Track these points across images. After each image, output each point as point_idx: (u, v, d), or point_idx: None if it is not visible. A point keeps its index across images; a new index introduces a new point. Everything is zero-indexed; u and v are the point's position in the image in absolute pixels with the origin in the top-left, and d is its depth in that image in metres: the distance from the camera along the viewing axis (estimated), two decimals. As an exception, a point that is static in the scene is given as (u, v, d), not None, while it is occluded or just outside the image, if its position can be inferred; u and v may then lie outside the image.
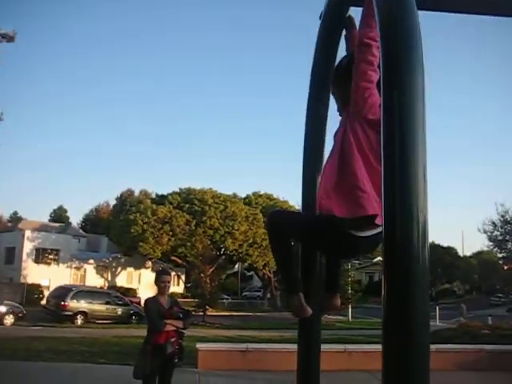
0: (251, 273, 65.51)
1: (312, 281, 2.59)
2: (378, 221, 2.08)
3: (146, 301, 6.09)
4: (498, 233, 28.16)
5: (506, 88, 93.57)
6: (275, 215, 2.63)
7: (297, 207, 51.84)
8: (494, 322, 21.01)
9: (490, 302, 60.02)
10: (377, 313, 41.89)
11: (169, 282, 6.01)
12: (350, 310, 35.93)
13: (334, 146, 2.38)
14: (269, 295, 53.46)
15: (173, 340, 5.72)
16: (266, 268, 49.59)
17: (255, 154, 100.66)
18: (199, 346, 10.05)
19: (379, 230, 2.06)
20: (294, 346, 9.19)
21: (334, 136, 2.43)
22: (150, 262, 48.11)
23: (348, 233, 2.20)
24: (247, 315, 38.34)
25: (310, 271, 2.61)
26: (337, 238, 2.26)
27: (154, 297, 6.11)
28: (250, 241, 45.45)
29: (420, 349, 1.52)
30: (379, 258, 72.87)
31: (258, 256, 46.29)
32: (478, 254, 77.55)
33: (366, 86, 2.20)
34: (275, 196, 54.62)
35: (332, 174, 2.26)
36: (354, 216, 2.15)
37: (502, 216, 27.53)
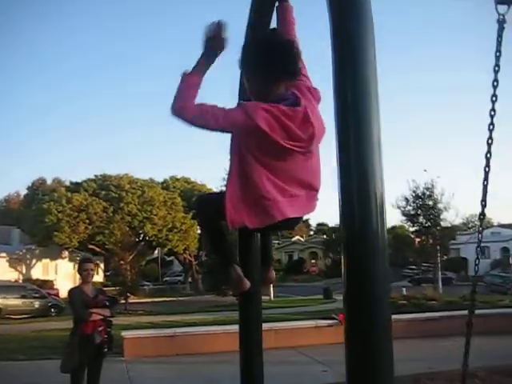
0: (171, 258, 64.97)
1: (250, 257, 2.64)
2: (293, 214, 2.19)
3: (70, 291, 5.87)
4: (411, 207, 29.56)
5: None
6: (201, 200, 2.73)
7: (215, 190, 51.98)
8: (408, 292, 22.02)
9: (403, 274, 62.99)
10: (297, 291, 43.15)
11: (92, 270, 5.79)
12: (271, 289, 36.47)
13: (230, 158, 2.31)
14: (190, 279, 53.33)
15: (100, 329, 5.55)
16: (187, 252, 49.40)
17: (170, 137, 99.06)
18: (124, 334, 9.86)
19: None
20: (221, 328, 9.27)
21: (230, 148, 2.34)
22: (67, 252, 46.54)
23: None
24: (170, 300, 38.09)
25: (246, 248, 2.66)
26: None
27: (78, 286, 5.92)
28: (170, 225, 44.99)
29: (381, 321, 1.51)
30: (298, 237, 74.65)
31: (177, 240, 45.96)
32: (392, 229, 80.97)
33: None
34: (193, 179, 54.35)
35: (235, 188, 2.25)
36: (265, 225, 2.21)
37: (414, 191, 28.93)
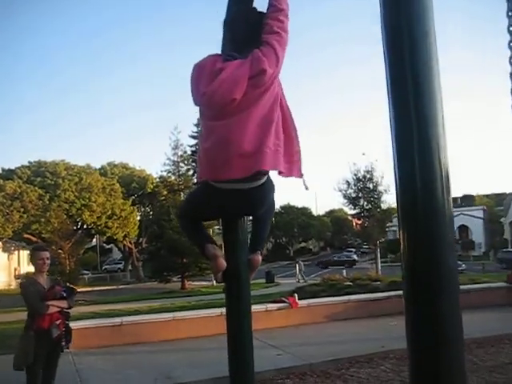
0: (110, 245, 63.91)
1: (234, 239, 2.55)
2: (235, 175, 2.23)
3: (23, 283, 5.47)
4: (352, 190, 30.02)
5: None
6: (180, 208, 2.97)
7: (154, 175, 51.23)
8: (348, 273, 22.42)
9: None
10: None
11: (48, 259, 5.32)
12: (212, 275, 36.32)
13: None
14: (130, 267, 52.55)
15: (58, 322, 5.17)
16: (127, 239, 48.61)
17: (106, 121, 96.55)
18: (70, 325, 9.44)
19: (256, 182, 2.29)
20: (170, 315, 8.99)
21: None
22: (0, 242, 44.81)
23: (218, 189, 2.32)
24: (110, 289, 37.33)
25: (229, 230, 2.57)
26: (214, 199, 2.39)
27: (31, 277, 5.47)
28: (109, 212, 44.11)
29: (449, 299, 1.56)
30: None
31: (117, 228, 45.15)
32: (331, 212, 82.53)
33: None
34: (131, 165, 53.35)
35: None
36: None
37: (355, 174, 29.37)
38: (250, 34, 2.27)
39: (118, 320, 9.73)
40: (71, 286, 5.91)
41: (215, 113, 2.22)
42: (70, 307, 5.36)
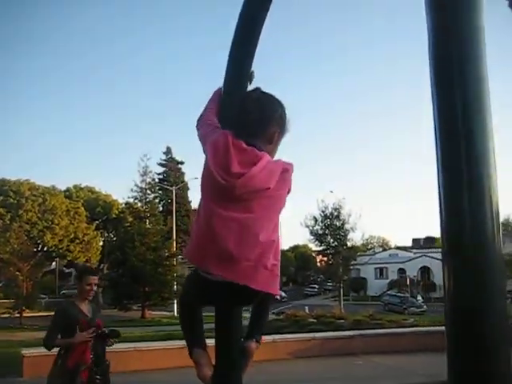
0: (70, 270, 62.50)
1: (225, 328, 2.35)
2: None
3: (60, 306, 4.86)
4: (319, 227, 30.17)
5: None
6: (180, 296, 2.59)
7: (120, 201, 50.69)
8: (310, 310, 22.36)
9: (305, 293, 64.39)
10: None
11: (95, 285, 4.72)
12: (175, 305, 35.80)
13: None
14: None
15: (84, 368, 4.50)
16: (88, 264, 47.65)
17: (73, 143, 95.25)
18: (25, 352, 9.11)
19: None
20: (132, 346, 8.71)
21: None
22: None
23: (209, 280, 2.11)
24: (68, 314, 36.29)
25: (222, 318, 2.37)
26: (206, 290, 2.19)
27: (72, 301, 4.83)
28: (72, 236, 43.36)
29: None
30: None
31: (79, 252, 44.41)
32: (295, 248, 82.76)
33: None
34: (97, 189, 52.72)
35: None
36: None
37: (322, 211, 29.57)
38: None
39: (76, 348, 9.40)
40: (113, 328, 5.15)
41: (238, 198, 2.05)
42: (107, 345, 4.83)
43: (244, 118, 2.19)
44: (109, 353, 9.30)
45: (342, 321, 16.80)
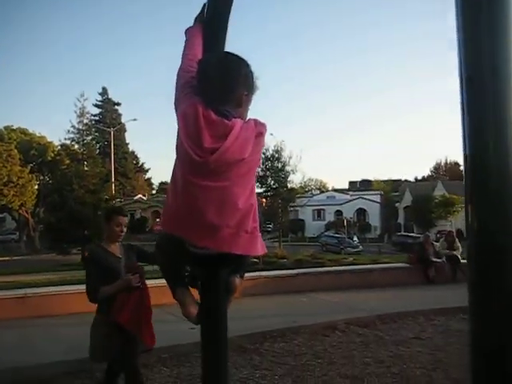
0: (3, 214, 60.71)
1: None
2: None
3: (90, 254, 4.49)
4: (259, 169, 30.23)
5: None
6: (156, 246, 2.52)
7: (56, 143, 49.12)
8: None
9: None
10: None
11: (125, 227, 4.36)
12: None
13: None
14: (25, 237, 50.28)
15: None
16: (23, 208, 46.40)
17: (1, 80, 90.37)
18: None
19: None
20: (76, 288, 8.69)
21: None
22: None
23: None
24: (3, 260, 35.49)
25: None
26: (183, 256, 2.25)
27: (101, 246, 4.43)
28: (5, 179, 41.73)
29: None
30: (140, 196, 73.55)
31: (14, 196, 42.90)
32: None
33: None
34: (31, 131, 50.77)
35: None
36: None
37: (264, 153, 29.59)
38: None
39: (21, 292, 9.29)
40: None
41: (213, 171, 2.04)
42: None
43: (207, 85, 2.13)
44: (54, 295, 9.30)
45: (285, 260, 17.29)
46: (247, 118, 2.20)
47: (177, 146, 2.10)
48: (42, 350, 6.82)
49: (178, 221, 2.11)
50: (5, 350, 6.81)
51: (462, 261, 13.43)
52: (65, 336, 7.61)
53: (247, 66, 2.21)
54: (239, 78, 2.16)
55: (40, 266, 27.94)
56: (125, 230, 4.32)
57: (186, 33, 2.42)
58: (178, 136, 2.10)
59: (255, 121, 2.16)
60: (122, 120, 69.27)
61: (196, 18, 2.44)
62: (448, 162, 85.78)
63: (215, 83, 2.11)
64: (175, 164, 2.14)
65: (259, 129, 2.13)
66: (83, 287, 9.25)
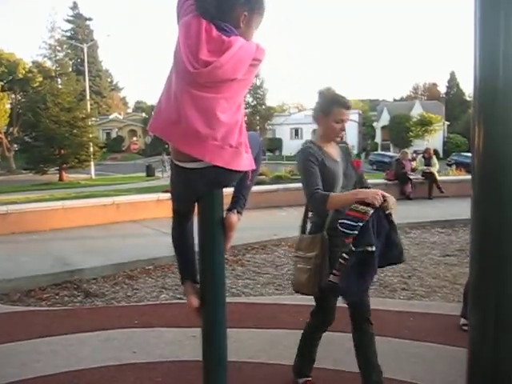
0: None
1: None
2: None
3: (303, 151, 3.17)
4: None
5: None
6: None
7: (27, 60, 47.41)
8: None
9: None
10: (116, 169, 42.38)
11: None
12: (92, 167, 35.39)
13: None
14: (0, 158, 49.59)
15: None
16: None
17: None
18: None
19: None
20: (60, 204, 8.74)
21: None
22: None
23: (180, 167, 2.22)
24: (-21, 180, 35.15)
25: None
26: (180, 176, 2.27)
27: (316, 144, 3.20)
28: (-25, 98, 40.60)
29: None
30: (116, 115, 72.47)
31: (-15, 115, 41.87)
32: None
33: None
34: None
35: None
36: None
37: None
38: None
39: (3, 208, 9.28)
40: None
41: (205, 83, 2.05)
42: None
43: (202, 3, 2.10)
44: (35, 212, 9.33)
45: (264, 177, 17.42)
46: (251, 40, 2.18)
47: (175, 52, 2.10)
48: (27, 263, 6.90)
49: (167, 125, 2.13)
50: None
51: (438, 178, 13.72)
52: (48, 250, 7.71)
53: None
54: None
55: (18, 186, 27.76)
56: (345, 128, 3.22)
57: None
58: (177, 43, 2.10)
59: (257, 45, 2.14)
60: (94, 36, 67.02)
61: None
62: (427, 83, 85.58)
63: (210, 1, 2.09)
64: (171, 70, 2.14)
65: (258, 54, 2.12)
66: (68, 203, 9.19)
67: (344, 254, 2.71)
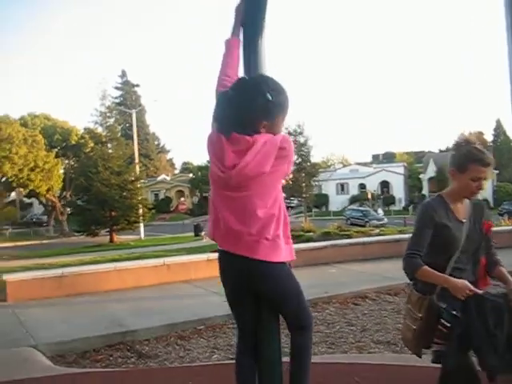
0: (31, 200, 61.74)
1: None
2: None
3: (426, 204, 2.95)
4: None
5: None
6: None
7: (79, 127, 49.48)
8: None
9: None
10: (165, 229, 42.95)
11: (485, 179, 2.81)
12: (141, 228, 36.07)
13: None
14: (53, 221, 51.15)
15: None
16: (50, 192, 47.07)
17: (25, 71, 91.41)
18: (7, 277, 9.17)
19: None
20: (112, 266, 8.91)
21: None
22: None
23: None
24: (35, 243, 36.27)
25: None
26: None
27: (442, 199, 2.95)
28: (31, 165, 42.29)
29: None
30: (163, 176, 74.07)
31: (40, 180, 43.50)
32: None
33: None
34: (54, 116, 51.27)
35: None
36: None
37: (286, 128, 29.66)
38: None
39: (58, 271, 9.54)
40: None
41: (236, 184, 2.27)
42: None
43: (221, 117, 2.31)
44: (89, 274, 9.53)
45: (311, 233, 17.37)
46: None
47: (209, 163, 2.40)
48: (82, 325, 7.03)
49: (212, 229, 2.41)
50: (48, 326, 7.04)
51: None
52: (102, 311, 7.84)
53: (264, 95, 2.24)
54: (252, 112, 2.25)
55: (71, 248, 28.45)
56: (484, 186, 2.82)
57: (225, 44, 2.58)
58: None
59: (283, 137, 2.28)
60: (142, 101, 69.66)
61: (233, 30, 2.58)
62: (472, 131, 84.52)
63: (227, 114, 2.28)
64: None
65: (283, 144, 2.25)
66: (120, 265, 9.31)
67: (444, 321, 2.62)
